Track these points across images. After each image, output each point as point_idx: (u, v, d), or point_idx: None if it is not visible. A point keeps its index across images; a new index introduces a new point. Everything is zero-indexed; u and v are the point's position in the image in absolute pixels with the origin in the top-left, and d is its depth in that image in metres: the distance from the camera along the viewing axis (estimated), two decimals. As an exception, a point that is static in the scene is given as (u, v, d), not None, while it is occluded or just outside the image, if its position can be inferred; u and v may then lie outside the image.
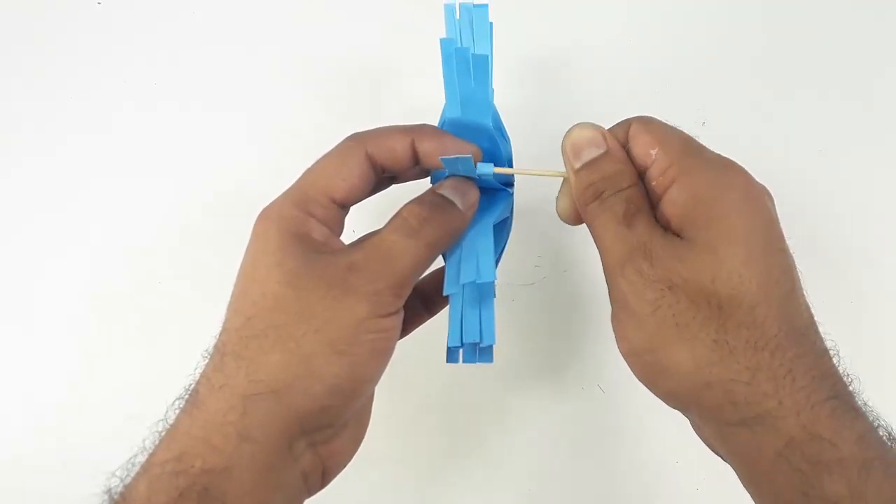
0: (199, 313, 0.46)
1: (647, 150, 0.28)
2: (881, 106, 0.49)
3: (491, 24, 0.31)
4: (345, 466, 0.30)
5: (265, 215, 0.29)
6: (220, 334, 0.28)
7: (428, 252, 0.29)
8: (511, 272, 0.47)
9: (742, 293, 0.25)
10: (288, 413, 0.26)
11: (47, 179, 0.49)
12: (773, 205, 0.27)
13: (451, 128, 0.31)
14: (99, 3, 0.52)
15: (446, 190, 0.30)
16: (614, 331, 0.28)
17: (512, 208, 0.34)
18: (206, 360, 0.28)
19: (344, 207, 0.30)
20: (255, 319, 0.27)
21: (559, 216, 0.32)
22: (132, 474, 0.26)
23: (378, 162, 0.30)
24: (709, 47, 0.50)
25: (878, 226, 0.47)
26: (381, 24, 0.51)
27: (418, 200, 0.30)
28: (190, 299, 0.46)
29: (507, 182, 0.33)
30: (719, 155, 0.28)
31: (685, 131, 0.29)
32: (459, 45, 0.31)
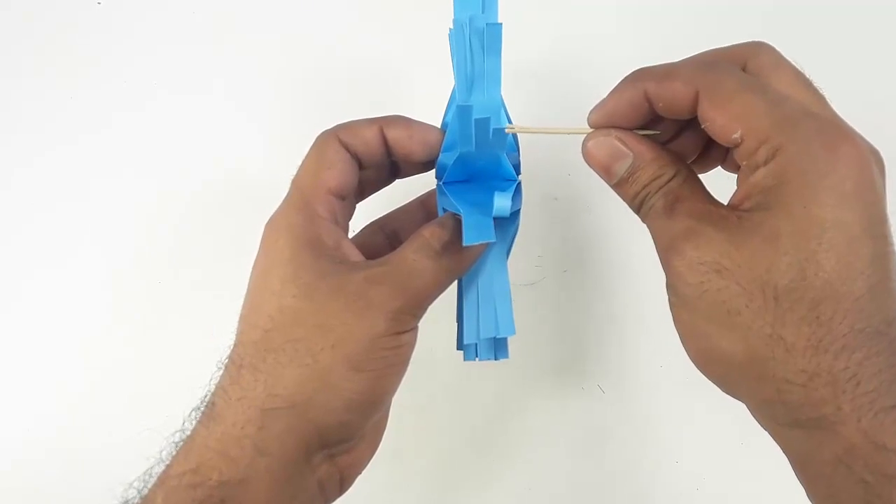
0: (199, 313, 0.46)
1: (728, 135, 0.24)
2: (881, 106, 0.49)
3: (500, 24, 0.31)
4: (361, 472, 0.30)
5: (273, 226, 0.29)
6: (236, 346, 0.28)
7: (447, 277, 0.29)
8: (511, 272, 0.47)
9: (805, 287, 0.23)
10: (306, 427, 0.26)
11: (47, 179, 0.49)
12: (883, 177, 0.24)
13: (459, 116, 0.29)
14: (99, 3, 0.52)
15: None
16: (672, 317, 0.27)
17: (521, 199, 0.34)
18: (222, 372, 0.27)
19: (342, 198, 0.30)
20: (272, 333, 0.27)
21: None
22: (149, 485, 0.26)
23: (352, 150, 0.30)
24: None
25: None
26: (384, 23, 0.51)
27: (440, 223, 0.30)
28: (190, 299, 0.46)
29: (515, 165, 0.32)
30: (825, 126, 0.24)
31: (780, 82, 0.25)
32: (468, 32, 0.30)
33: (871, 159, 0.24)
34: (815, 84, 0.26)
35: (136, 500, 0.26)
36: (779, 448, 0.26)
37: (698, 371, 0.27)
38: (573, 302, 0.47)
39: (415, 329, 0.29)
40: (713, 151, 0.30)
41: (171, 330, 0.46)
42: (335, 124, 0.31)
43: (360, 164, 0.31)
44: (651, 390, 0.45)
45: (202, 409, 0.27)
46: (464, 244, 0.28)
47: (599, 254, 0.47)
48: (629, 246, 0.46)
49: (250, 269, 0.29)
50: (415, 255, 0.29)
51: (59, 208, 0.48)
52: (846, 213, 0.23)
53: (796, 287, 0.23)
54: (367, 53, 0.50)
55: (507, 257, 0.33)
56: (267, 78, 0.50)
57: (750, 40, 0.27)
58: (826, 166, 0.23)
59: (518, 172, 0.32)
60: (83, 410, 0.45)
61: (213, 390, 0.27)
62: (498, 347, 0.33)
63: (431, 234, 0.29)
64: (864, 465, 0.22)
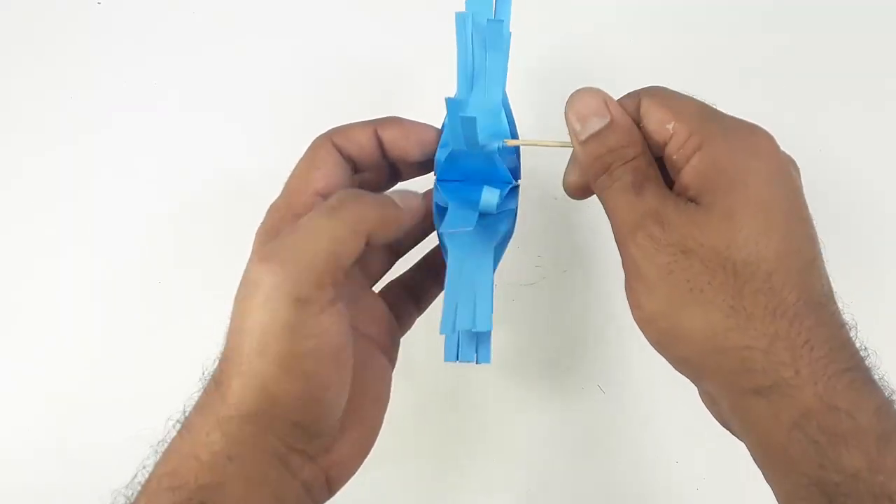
0: (199, 313, 0.46)
1: (663, 126, 0.27)
2: (881, 106, 0.49)
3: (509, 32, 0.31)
4: (353, 474, 0.30)
5: (257, 237, 0.29)
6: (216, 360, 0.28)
7: (348, 233, 0.26)
8: (511, 272, 0.47)
9: (759, 260, 0.24)
10: (261, 433, 0.25)
11: (47, 179, 0.49)
12: (798, 174, 0.27)
13: (448, 109, 0.28)
14: (99, 3, 0.52)
15: (389, 192, 0.31)
16: (628, 299, 0.28)
17: (517, 201, 0.33)
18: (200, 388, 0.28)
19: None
20: (227, 344, 0.27)
21: (565, 190, 0.32)
22: (135, 493, 0.26)
23: (345, 153, 0.30)
24: (711, 48, 0.50)
25: (880, 221, 0.47)
26: (386, 23, 0.51)
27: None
28: (190, 299, 0.46)
29: (513, 169, 0.32)
30: (741, 120, 0.27)
31: (698, 99, 0.28)
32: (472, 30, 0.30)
33: (783, 151, 0.26)
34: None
35: None
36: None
37: (660, 355, 0.27)
38: (573, 302, 0.47)
39: (334, 309, 0.26)
40: None
41: (172, 330, 0.46)
42: (333, 127, 0.31)
43: (356, 167, 0.31)
44: (651, 390, 0.45)
45: (180, 419, 0.27)
46: (442, 230, 0.28)
47: (599, 254, 0.47)
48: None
49: None
50: (308, 216, 0.26)
51: (58, 208, 0.48)
52: (778, 192, 0.25)
53: (752, 260, 0.24)
54: (369, 54, 0.50)
55: (497, 259, 0.32)
56: (267, 78, 0.50)
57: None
58: (751, 150, 0.26)
59: (517, 177, 0.32)
60: (83, 410, 0.45)
61: (190, 404, 0.28)
62: (480, 349, 0.32)
63: (332, 197, 0.27)
64: (816, 427, 0.23)
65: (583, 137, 0.28)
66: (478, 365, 0.32)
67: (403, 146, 0.30)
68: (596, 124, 0.28)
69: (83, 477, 0.44)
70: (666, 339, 0.27)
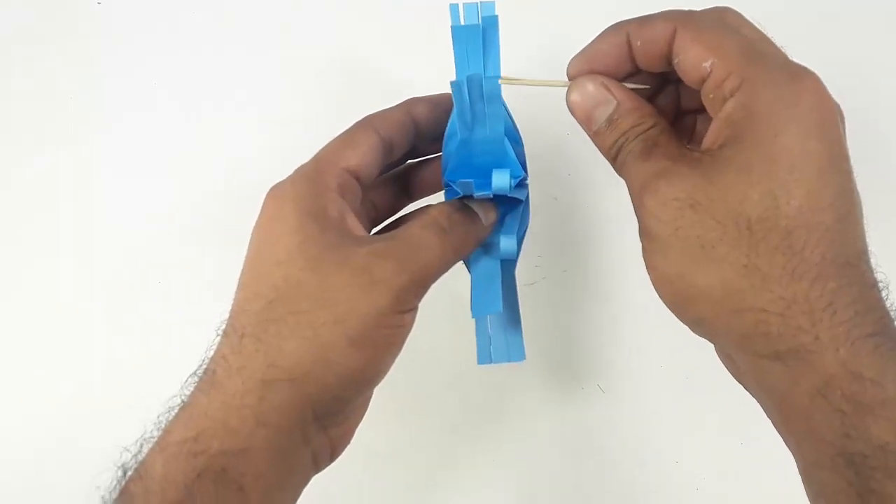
0: (199, 314, 0.46)
1: (699, 63, 0.25)
2: (882, 104, 0.49)
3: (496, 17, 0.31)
4: (350, 442, 0.31)
5: (279, 193, 0.29)
6: (237, 314, 0.27)
7: (453, 256, 0.29)
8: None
9: (777, 216, 0.23)
10: (303, 400, 0.26)
11: (47, 180, 0.49)
12: (843, 123, 0.25)
13: (455, 92, 0.29)
14: (99, 3, 0.52)
15: (472, 203, 0.31)
16: (645, 263, 0.27)
17: (528, 196, 0.34)
18: (221, 339, 0.27)
19: (359, 179, 0.30)
20: (275, 303, 0.26)
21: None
22: (146, 450, 0.26)
23: (385, 134, 0.31)
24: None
25: None
26: (386, 21, 0.51)
27: (447, 203, 0.31)
28: (190, 299, 0.46)
29: (521, 162, 0.33)
30: (790, 61, 0.25)
31: (749, 31, 0.26)
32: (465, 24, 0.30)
33: (831, 99, 0.24)
34: (777, 44, 0.26)
35: (132, 465, 0.26)
36: (779, 449, 0.26)
37: (680, 323, 0.26)
38: (573, 302, 0.47)
39: (415, 309, 0.29)
40: (685, 121, 0.31)
41: (172, 330, 0.46)
42: (339, 119, 0.31)
43: (392, 149, 0.31)
44: (651, 390, 0.45)
45: (200, 375, 0.27)
46: (472, 316, 0.31)
47: (599, 254, 0.47)
48: (629, 246, 0.46)
49: (250, 241, 0.29)
50: (422, 231, 0.29)
51: (59, 208, 0.48)
52: (814, 143, 0.23)
53: (769, 217, 0.23)
54: (369, 53, 0.50)
55: (518, 252, 0.34)
56: (268, 77, 0.50)
57: (715, 6, 0.27)
58: (793, 97, 0.23)
59: (525, 170, 0.32)
60: (83, 410, 0.45)
61: (212, 356, 0.27)
62: (511, 347, 0.34)
63: (440, 213, 0.30)
64: (841, 396, 0.22)
65: (594, 129, 0.28)
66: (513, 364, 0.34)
67: (436, 116, 0.32)
68: (602, 112, 0.28)
69: (83, 477, 0.44)
70: (680, 298, 0.26)
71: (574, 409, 0.46)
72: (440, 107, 0.32)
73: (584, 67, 0.28)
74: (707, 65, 0.25)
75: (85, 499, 0.26)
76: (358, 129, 0.31)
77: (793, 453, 0.25)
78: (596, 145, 0.29)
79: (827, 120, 0.24)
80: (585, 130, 0.29)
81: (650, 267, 0.26)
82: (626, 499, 0.45)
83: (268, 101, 0.50)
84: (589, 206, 0.47)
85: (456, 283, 0.33)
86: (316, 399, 0.26)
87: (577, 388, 0.46)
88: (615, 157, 0.28)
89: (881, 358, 0.22)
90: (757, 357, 0.24)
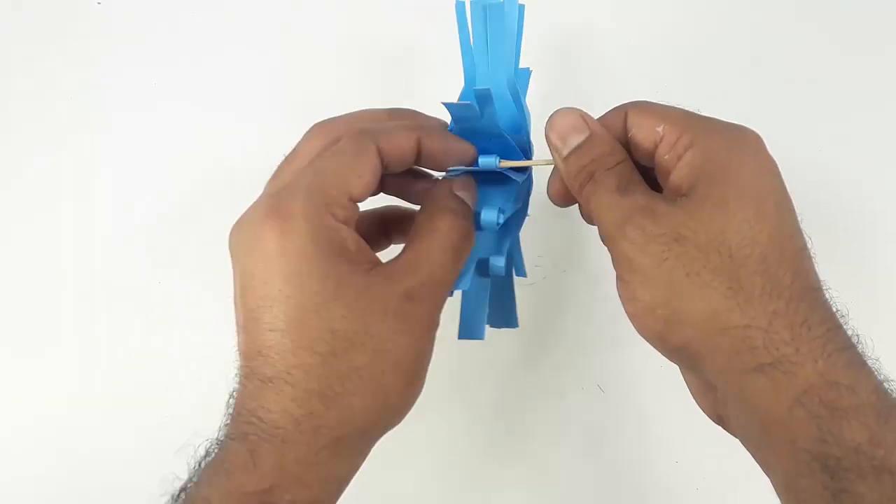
0: (199, 314, 0.46)
1: (652, 130, 0.28)
2: (882, 103, 0.49)
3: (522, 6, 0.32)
4: None
5: (286, 225, 0.26)
6: (291, 369, 0.26)
7: (460, 269, 0.30)
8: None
9: (753, 243, 0.25)
10: (368, 445, 0.29)
11: (47, 180, 0.49)
12: (780, 174, 0.28)
13: (468, 96, 0.30)
14: (99, 3, 0.52)
15: (461, 192, 0.31)
16: (621, 295, 0.28)
17: (529, 192, 0.35)
18: (274, 392, 0.26)
19: (355, 202, 0.30)
20: (331, 358, 0.26)
21: (550, 198, 0.33)
22: (204, 491, 0.25)
23: (386, 158, 0.29)
24: (710, 44, 0.50)
25: (877, 220, 0.47)
26: (386, 20, 0.51)
27: (456, 214, 0.30)
28: (190, 300, 0.46)
29: (524, 149, 0.33)
30: (727, 121, 0.28)
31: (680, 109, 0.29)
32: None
33: (767, 148, 0.28)
34: None
35: (181, 497, 0.26)
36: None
37: (658, 350, 0.28)
38: (573, 302, 0.47)
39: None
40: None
41: (172, 330, 0.46)
42: (376, 126, 0.31)
43: (386, 168, 0.30)
44: (651, 390, 0.45)
45: (256, 422, 0.26)
46: (458, 338, 0.32)
47: (599, 254, 0.47)
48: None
49: (255, 269, 0.27)
50: (444, 258, 0.29)
51: (59, 208, 0.48)
52: (769, 182, 0.27)
53: (747, 244, 0.25)
54: (370, 52, 0.50)
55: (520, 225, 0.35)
56: (268, 77, 0.50)
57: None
58: (743, 145, 0.27)
59: (529, 155, 0.33)
60: (83, 411, 0.45)
61: (271, 409, 0.26)
62: (505, 314, 0.35)
63: (453, 229, 0.30)
64: (818, 402, 0.24)
65: (565, 153, 0.30)
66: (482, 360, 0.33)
67: (441, 161, 0.31)
68: (576, 139, 0.29)
69: (83, 477, 0.44)
70: (665, 326, 0.27)
71: (574, 409, 0.46)
72: (454, 154, 0.31)
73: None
74: (660, 129, 0.28)
75: None
76: (365, 150, 0.29)
77: (769, 473, 0.26)
78: (563, 171, 0.30)
79: (773, 163, 0.27)
80: (555, 155, 0.30)
81: (628, 299, 0.28)
82: (625, 499, 0.45)
83: (268, 101, 0.50)
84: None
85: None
86: (377, 437, 0.29)
87: (577, 387, 0.46)
88: (584, 183, 0.29)
89: (854, 368, 0.24)
90: (741, 373, 0.25)
